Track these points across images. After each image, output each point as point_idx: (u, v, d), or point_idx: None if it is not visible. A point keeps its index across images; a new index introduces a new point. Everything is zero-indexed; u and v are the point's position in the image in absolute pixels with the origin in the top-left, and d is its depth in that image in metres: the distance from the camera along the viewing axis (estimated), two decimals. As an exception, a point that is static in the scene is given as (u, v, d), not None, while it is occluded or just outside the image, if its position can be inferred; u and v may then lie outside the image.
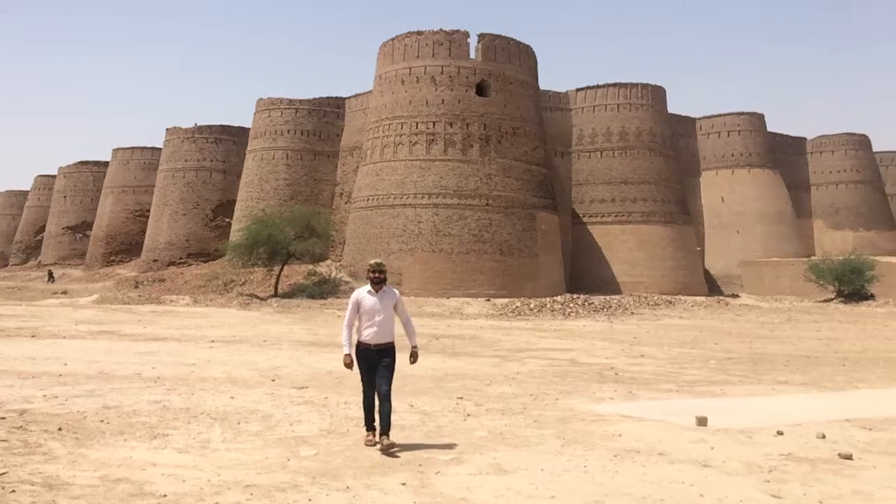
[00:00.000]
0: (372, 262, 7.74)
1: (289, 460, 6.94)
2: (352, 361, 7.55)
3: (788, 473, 6.68)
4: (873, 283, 41.66)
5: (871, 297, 41.55)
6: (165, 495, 5.70)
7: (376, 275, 7.68)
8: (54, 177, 76.40)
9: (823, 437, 8.05)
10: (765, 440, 7.98)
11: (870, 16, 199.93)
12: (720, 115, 56.32)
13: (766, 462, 7.06)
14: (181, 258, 53.82)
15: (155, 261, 54.45)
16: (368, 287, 7.73)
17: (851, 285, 41.95)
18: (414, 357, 7.81)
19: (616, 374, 14.11)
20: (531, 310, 33.12)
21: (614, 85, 48.87)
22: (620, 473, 6.62)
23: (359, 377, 7.82)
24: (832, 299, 42.14)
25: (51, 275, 61.29)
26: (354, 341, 7.67)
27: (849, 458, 7.19)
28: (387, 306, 7.63)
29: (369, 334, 7.54)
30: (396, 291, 7.90)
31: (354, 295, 7.72)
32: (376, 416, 7.55)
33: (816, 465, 6.98)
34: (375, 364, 7.55)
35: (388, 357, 7.59)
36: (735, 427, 8.63)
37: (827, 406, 10.43)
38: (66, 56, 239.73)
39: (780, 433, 8.25)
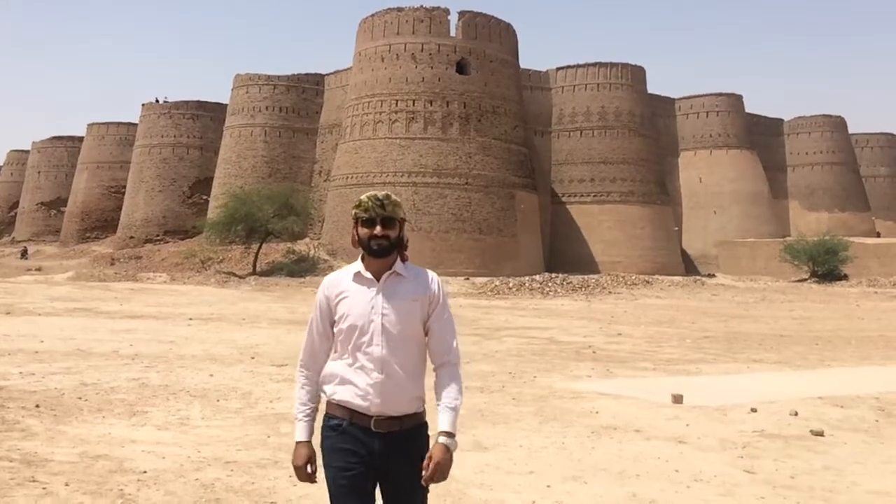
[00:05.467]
0: (365, 197, 3.18)
1: (269, 437, 6.97)
2: (308, 463, 3.13)
3: (762, 450, 6.81)
4: (847, 263, 42.25)
5: (845, 277, 42.14)
6: (145, 472, 5.71)
7: (377, 232, 3.14)
8: (27, 152, 75.19)
9: (796, 414, 8.20)
10: (739, 417, 8.12)
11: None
12: (699, 96, 56.50)
13: (739, 438, 7.19)
14: (158, 235, 53.32)
15: (131, 237, 53.91)
16: (357, 267, 3.21)
17: (825, 266, 42.51)
18: (440, 464, 2.99)
19: (594, 352, 14.25)
20: (510, 289, 33.25)
21: (594, 64, 48.83)
22: (597, 449, 6.72)
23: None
24: (806, 279, 42.68)
25: (25, 252, 60.52)
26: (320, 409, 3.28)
27: (820, 434, 7.33)
28: (405, 314, 3.14)
29: (361, 390, 3.09)
30: (433, 277, 3.27)
31: (324, 289, 3.24)
32: None
33: (789, 441, 7.12)
34: (377, 473, 3.12)
35: (411, 455, 3.09)
36: (710, 404, 8.76)
37: (800, 384, 10.62)
38: (39, 29, 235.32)
39: (753, 410, 8.39)
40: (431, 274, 3.27)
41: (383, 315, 3.10)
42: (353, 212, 3.17)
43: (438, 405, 3.13)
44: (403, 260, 3.22)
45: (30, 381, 9.41)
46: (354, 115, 40.20)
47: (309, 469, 3.12)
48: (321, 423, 3.18)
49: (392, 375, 3.06)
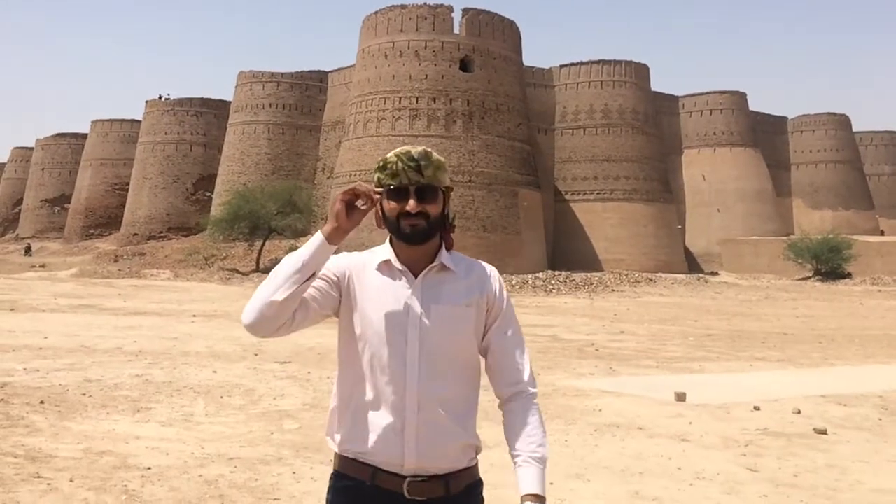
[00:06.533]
0: (393, 155, 2.18)
1: (272, 433, 6.98)
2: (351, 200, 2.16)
3: (764, 448, 6.80)
4: (850, 262, 42.17)
5: (848, 275, 42.07)
6: (150, 468, 5.73)
7: (411, 208, 2.15)
8: (32, 149, 75.28)
9: (799, 412, 8.20)
10: (742, 415, 8.11)
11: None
12: (703, 94, 56.40)
13: (742, 436, 7.18)
14: (161, 232, 53.41)
15: (135, 234, 54.00)
16: (384, 253, 2.24)
17: (829, 264, 42.45)
18: None
19: (597, 350, 14.24)
20: (513, 286, 33.25)
21: (598, 62, 48.78)
22: (600, 447, 6.72)
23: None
24: (810, 278, 42.62)
25: (29, 248, 60.65)
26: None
27: (823, 432, 7.33)
28: (454, 324, 2.19)
29: (388, 437, 2.14)
30: (492, 272, 2.28)
31: (340, 260, 2.27)
32: None
33: (792, 439, 7.11)
34: None
35: None
36: (713, 402, 8.76)
37: (803, 382, 10.60)
38: (43, 26, 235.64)
39: (756, 409, 8.38)
40: (489, 268, 2.28)
41: (422, 325, 2.14)
42: (376, 177, 2.20)
43: (515, 456, 2.19)
44: (448, 247, 2.24)
45: (34, 378, 9.43)
46: (358, 113, 40.21)
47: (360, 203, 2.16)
48: (328, 485, 2.26)
49: (433, 414, 2.13)
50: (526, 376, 2.26)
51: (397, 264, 2.19)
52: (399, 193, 2.15)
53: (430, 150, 2.17)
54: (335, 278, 2.21)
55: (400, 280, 2.18)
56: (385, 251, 2.23)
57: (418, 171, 2.14)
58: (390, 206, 2.17)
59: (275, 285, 2.08)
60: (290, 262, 2.11)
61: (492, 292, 2.24)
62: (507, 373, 2.25)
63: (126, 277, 36.15)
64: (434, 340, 2.15)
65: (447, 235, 2.25)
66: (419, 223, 2.14)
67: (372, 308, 2.17)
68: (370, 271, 2.22)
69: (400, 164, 2.14)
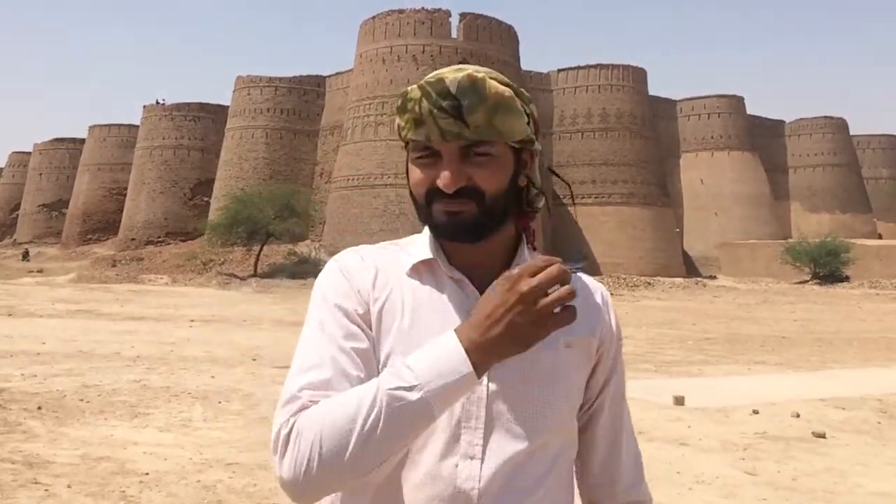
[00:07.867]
0: (417, 88, 1.16)
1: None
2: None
3: (763, 451, 6.79)
4: (848, 265, 42.20)
5: (846, 279, 42.09)
6: (147, 473, 5.71)
7: (446, 183, 1.16)
8: (29, 154, 75.26)
9: (798, 416, 8.19)
10: (740, 419, 8.10)
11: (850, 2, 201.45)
12: (700, 98, 56.54)
13: (741, 440, 7.18)
14: (159, 237, 53.39)
15: (132, 240, 53.97)
16: (421, 249, 1.25)
17: (827, 267, 42.47)
18: None
19: (595, 354, 14.19)
20: (511, 290, 33.20)
21: (595, 66, 48.90)
22: (599, 451, 6.70)
23: None
24: (808, 281, 42.63)
25: (26, 253, 60.59)
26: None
27: (822, 436, 7.32)
28: (551, 378, 1.20)
29: None
30: (599, 289, 1.32)
31: (346, 276, 1.32)
32: None
33: (791, 443, 7.11)
34: None
35: None
36: (712, 406, 8.75)
37: (801, 386, 10.60)
38: (41, 31, 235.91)
39: (755, 412, 8.38)
40: (594, 283, 1.36)
41: (494, 383, 1.19)
42: (396, 123, 1.25)
43: None
44: (530, 241, 1.32)
45: (32, 383, 9.40)
46: (356, 117, 40.25)
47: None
48: None
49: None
50: (642, 477, 1.45)
51: (447, 269, 1.24)
52: (425, 153, 1.22)
53: (483, 74, 1.19)
54: (362, 315, 1.24)
55: (455, 297, 1.23)
56: (424, 244, 1.28)
57: (458, 115, 1.15)
58: (415, 176, 1.25)
59: (377, 454, 1.07)
60: (407, 414, 1.05)
61: (608, 331, 1.32)
62: (624, 469, 1.39)
63: (124, 282, 36.10)
64: (517, 410, 1.20)
65: (525, 224, 1.31)
66: (464, 209, 1.18)
67: (403, 337, 1.20)
68: (398, 275, 1.25)
69: (426, 103, 1.17)
